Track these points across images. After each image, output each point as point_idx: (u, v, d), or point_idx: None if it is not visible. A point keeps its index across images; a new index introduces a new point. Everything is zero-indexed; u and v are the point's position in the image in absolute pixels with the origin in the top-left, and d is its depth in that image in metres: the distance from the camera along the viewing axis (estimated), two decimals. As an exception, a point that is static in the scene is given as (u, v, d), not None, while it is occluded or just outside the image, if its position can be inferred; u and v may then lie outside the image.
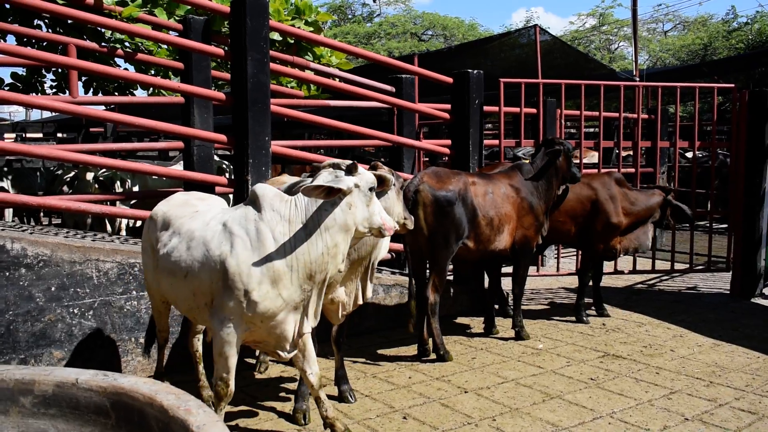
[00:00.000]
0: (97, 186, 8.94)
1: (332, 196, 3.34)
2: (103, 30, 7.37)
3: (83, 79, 8.43)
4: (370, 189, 3.50)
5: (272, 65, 5.98)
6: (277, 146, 6.12)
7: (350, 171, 3.45)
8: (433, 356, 5.53)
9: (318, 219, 3.39)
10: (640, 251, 7.07)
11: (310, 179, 3.45)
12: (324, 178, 3.40)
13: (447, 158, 7.59)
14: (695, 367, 5.32)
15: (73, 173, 9.68)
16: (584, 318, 6.62)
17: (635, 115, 8.12)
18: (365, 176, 3.49)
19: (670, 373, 5.18)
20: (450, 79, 7.09)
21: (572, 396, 4.68)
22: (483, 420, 4.26)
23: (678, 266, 8.36)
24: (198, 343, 4.47)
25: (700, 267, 8.48)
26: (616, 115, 8.12)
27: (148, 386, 2.40)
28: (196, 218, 3.70)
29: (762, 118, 7.42)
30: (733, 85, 8.36)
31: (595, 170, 7.82)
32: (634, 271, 8.18)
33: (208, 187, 6.55)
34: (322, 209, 3.39)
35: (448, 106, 7.30)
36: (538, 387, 4.86)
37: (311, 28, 7.68)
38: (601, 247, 6.60)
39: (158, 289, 3.97)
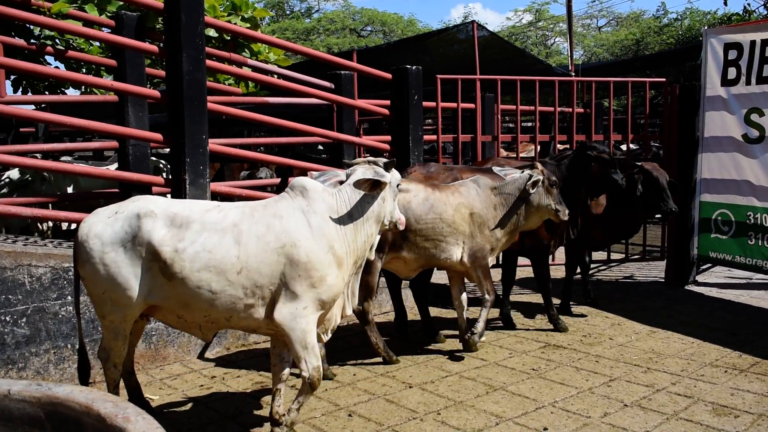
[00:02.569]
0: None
1: (375, 189, 3.77)
2: (31, 27, 7.13)
3: (11, 77, 8.16)
4: (398, 186, 3.98)
5: (208, 62, 5.88)
6: (215, 144, 6.03)
7: (387, 168, 3.85)
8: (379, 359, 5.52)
9: (360, 210, 3.75)
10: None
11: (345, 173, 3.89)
12: (366, 172, 3.78)
13: (387, 154, 7.60)
14: (633, 354, 5.45)
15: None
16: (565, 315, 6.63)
17: (570, 110, 8.27)
18: (395, 174, 3.95)
19: (609, 360, 5.30)
20: (389, 75, 7.10)
21: (515, 387, 4.74)
22: (428, 414, 4.28)
23: (614, 256, 8.56)
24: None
25: (636, 256, 8.69)
26: (552, 109, 8.26)
27: (84, 395, 2.32)
28: (230, 213, 3.61)
29: (692, 111, 7.63)
30: (664, 80, 8.58)
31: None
32: (572, 262, 8.34)
33: (144, 188, 6.43)
34: (364, 201, 3.77)
35: (387, 102, 7.31)
36: (481, 379, 4.91)
37: (248, 25, 7.60)
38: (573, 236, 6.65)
39: (146, 300, 3.56)
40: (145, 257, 3.48)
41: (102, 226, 3.54)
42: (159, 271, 3.49)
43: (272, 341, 3.89)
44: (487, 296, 5.44)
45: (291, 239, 3.52)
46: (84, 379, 3.86)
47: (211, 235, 3.49)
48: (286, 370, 3.88)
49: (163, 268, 3.47)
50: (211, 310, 3.54)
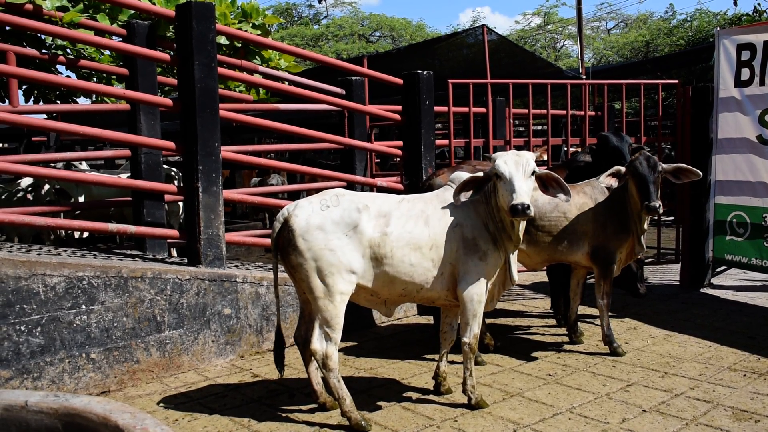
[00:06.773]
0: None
1: (473, 187, 4.28)
2: (43, 36, 7.16)
3: (23, 87, 8.18)
4: (533, 173, 4.19)
5: (220, 69, 5.88)
6: (227, 152, 6.03)
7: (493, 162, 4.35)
8: (393, 361, 5.51)
9: (487, 198, 4.33)
10: None
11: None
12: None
13: (398, 159, 7.58)
14: (650, 358, 5.40)
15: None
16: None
17: (582, 113, 8.23)
18: (501, 163, 4.21)
19: (626, 365, 5.25)
20: (400, 81, 7.08)
21: (532, 393, 4.71)
22: (445, 421, 4.24)
23: (629, 260, 8.49)
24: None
25: (650, 259, 8.64)
26: (564, 112, 8.22)
27: (102, 406, 2.31)
28: (415, 201, 4.38)
29: (705, 112, 7.59)
30: (677, 81, 8.52)
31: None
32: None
33: (156, 196, 6.44)
34: (487, 192, 4.32)
35: (398, 108, 7.29)
36: (497, 385, 4.88)
37: (259, 32, 7.58)
38: None
39: (357, 279, 4.16)
40: (362, 243, 4.12)
41: (320, 218, 4.10)
42: (370, 256, 4.14)
43: (443, 311, 4.66)
44: (600, 300, 5.56)
45: (459, 220, 4.29)
46: (280, 364, 4.43)
47: (408, 220, 4.23)
48: (454, 336, 4.67)
49: (376, 251, 4.14)
50: (408, 283, 4.22)
